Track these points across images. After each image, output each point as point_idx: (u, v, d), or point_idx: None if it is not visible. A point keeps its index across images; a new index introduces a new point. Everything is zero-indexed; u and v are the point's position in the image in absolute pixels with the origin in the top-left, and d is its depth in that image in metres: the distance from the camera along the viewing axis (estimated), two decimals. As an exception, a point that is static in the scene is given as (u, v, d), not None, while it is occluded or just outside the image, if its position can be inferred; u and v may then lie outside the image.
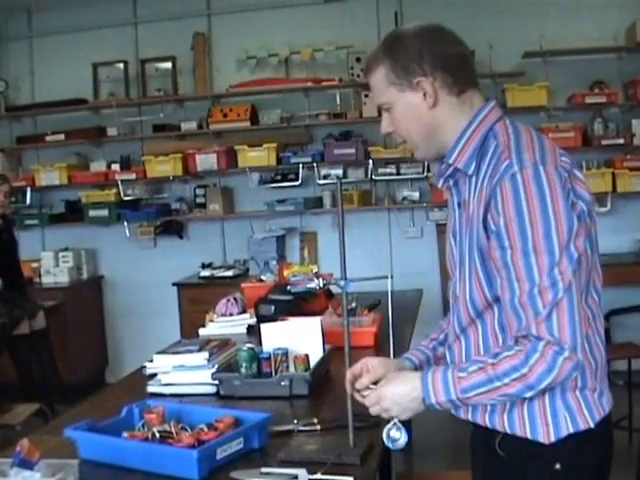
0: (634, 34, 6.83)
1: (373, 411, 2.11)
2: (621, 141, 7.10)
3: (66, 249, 8.01)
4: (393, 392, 2.07)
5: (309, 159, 7.42)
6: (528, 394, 1.92)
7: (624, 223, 7.29)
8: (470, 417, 2.12)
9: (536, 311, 1.87)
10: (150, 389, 3.17)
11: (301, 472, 2.15)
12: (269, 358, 3.12)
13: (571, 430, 1.99)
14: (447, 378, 1.98)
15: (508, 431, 2.04)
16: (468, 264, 2.06)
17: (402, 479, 3.70)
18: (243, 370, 3.08)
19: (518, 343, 1.92)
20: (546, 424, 2.00)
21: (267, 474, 2.18)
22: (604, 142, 7.12)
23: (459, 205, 2.12)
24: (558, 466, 2.01)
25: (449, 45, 2.09)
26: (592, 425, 2.00)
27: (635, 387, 5.53)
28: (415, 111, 2.08)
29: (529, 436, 2.01)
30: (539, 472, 2.03)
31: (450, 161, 2.08)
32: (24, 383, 6.58)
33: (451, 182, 2.13)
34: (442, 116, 2.08)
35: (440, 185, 2.17)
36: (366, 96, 7.18)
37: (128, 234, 8.02)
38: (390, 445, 2.13)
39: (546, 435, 2.00)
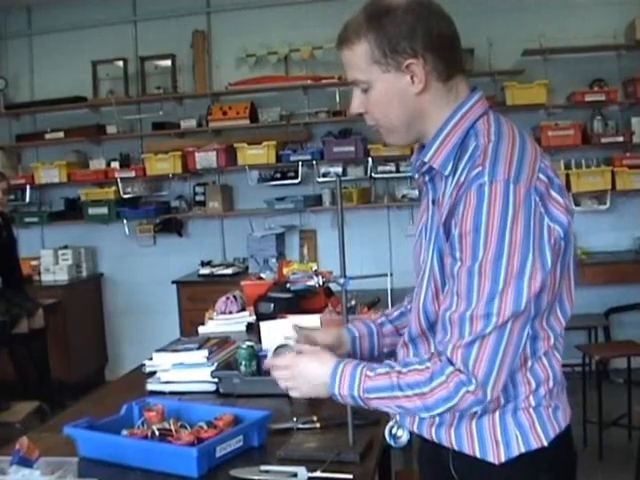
0: (634, 32, 6.84)
1: (283, 385, 2.03)
2: (620, 139, 7.09)
3: (65, 247, 8.00)
4: (308, 370, 1.95)
5: (308, 157, 7.42)
6: (424, 414, 1.82)
7: (623, 221, 7.30)
8: (415, 429, 2.02)
9: (461, 334, 1.75)
10: (149, 387, 3.17)
11: (300, 470, 2.15)
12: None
13: (522, 450, 1.86)
14: (355, 373, 1.86)
15: (455, 448, 1.92)
16: (429, 268, 1.92)
17: (401, 477, 3.70)
18: (242, 368, 3.09)
19: (432, 358, 1.81)
20: (496, 442, 1.87)
21: (267, 472, 2.18)
22: (603, 140, 7.11)
23: (433, 202, 1.95)
24: None
25: (443, 23, 1.86)
26: (545, 443, 1.86)
27: (634, 385, 5.53)
28: (399, 95, 1.87)
29: (478, 455, 1.88)
30: None
31: (426, 159, 1.90)
32: (20, 382, 6.58)
33: (427, 178, 1.96)
34: (427, 103, 1.88)
35: (415, 178, 2.02)
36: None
37: (127, 232, 8.02)
38: (392, 443, 2.10)
39: (496, 455, 1.87)
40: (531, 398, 1.87)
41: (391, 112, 1.91)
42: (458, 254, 1.77)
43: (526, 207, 1.72)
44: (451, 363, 1.76)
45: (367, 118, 1.98)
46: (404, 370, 1.82)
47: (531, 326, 1.82)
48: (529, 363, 1.87)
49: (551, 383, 1.90)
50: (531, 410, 1.88)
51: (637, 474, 4.40)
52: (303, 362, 1.98)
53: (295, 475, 2.14)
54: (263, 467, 2.21)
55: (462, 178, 1.80)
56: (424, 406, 1.79)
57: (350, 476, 2.12)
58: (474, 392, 1.74)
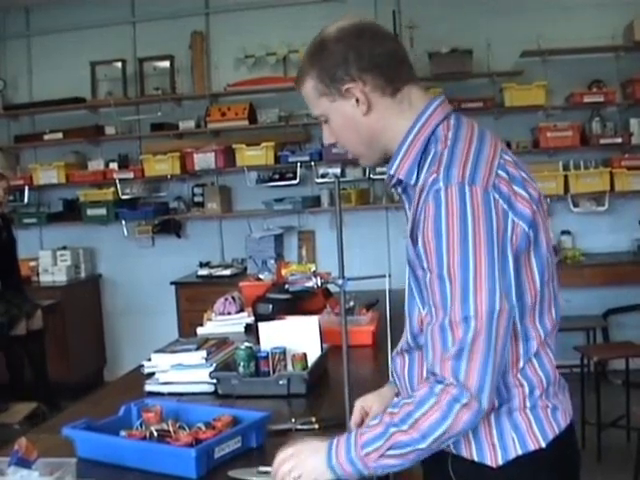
0: (632, 33, 6.85)
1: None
2: (619, 140, 7.11)
3: (64, 248, 8.00)
4: (306, 466, 1.88)
5: (307, 158, 7.42)
6: (422, 445, 1.74)
7: (622, 222, 7.31)
8: None
9: (445, 346, 1.73)
10: (148, 388, 3.17)
11: None
12: (267, 357, 3.12)
13: (519, 452, 1.85)
14: (349, 438, 1.82)
15: (454, 451, 1.91)
16: (406, 279, 1.96)
17: (399, 478, 3.69)
18: (241, 369, 3.08)
19: (419, 386, 1.80)
20: (492, 445, 1.86)
21: (265, 473, 2.18)
22: (602, 141, 7.13)
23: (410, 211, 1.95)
24: None
25: (374, 43, 1.92)
26: (543, 445, 1.86)
27: (633, 386, 5.53)
28: (351, 119, 1.95)
29: (475, 458, 1.88)
30: None
31: (391, 172, 1.95)
32: (13, 383, 6.57)
33: (400, 190, 1.99)
34: (380, 120, 1.94)
35: (392, 192, 2.09)
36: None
37: (126, 233, 8.03)
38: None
39: (493, 458, 1.86)
40: (526, 400, 1.87)
41: (350, 137, 2.00)
42: (426, 264, 1.78)
43: (485, 207, 1.73)
44: (440, 380, 1.73)
45: (338, 146, 2.10)
46: (395, 410, 1.79)
47: (521, 325, 1.84)
48: (521, 364, 1.87)
49: (545, 383, 1.89)
50: (527, 412, 1.87)
51: (635, 475, 4.40)
52: (299, 462, 1.90)
53: None
54: (262, 468, 2.21)
55: (422, 186, 1.83)
56: (420, 435, 1.74)
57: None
58: (469, 405, 1.71)
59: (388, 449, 1.77)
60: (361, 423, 2.16)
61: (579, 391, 5.52)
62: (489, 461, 1.87)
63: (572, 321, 6.57)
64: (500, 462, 1.86)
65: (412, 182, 1.90)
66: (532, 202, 1.82)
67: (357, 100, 1.92)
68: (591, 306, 7.12)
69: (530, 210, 1.80)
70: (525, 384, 1.87)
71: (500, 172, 1.80)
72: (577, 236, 7.40)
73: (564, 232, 7.36)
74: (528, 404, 1.87)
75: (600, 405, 5.29)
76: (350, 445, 1.81)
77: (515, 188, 1.80)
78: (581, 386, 5.56)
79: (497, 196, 1.76)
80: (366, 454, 1.79)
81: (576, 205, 7.27)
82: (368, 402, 2.22)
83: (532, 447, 1.86)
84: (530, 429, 1.86)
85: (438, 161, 1.81)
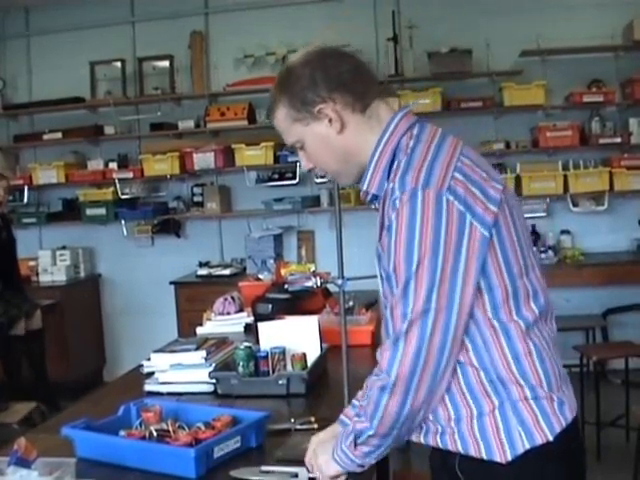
0: (631, 33, 6.84)
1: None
2: (618, 140, 7.11)
3: (63, 248, 8.00)
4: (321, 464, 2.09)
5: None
6: (370, 432, 1.92)
7: (621, 222, 7.30)
8: (422, 440, 2.03)
9: (387, 335, 1.88)
10: (147, 388, 3.17)
11: (301, 470, 2.15)
12: (266, 357, 3.13)
13: (527, 446, 1.88)
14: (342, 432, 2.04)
15: (462, 452, 1.93)
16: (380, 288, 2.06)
17: (399, 478, 3.70)
18: (240, 369, 3.09)
19: None
20: (500, 442, 1.89)
21: (267, 472, 2.18)
22: (601, 141, 7.12)
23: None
24: None
25: (339, 63, 1.99)
26: (550, 438, 1.88)
27: (632, 386, 5.54)
28: (325, 140, 2.01)
29: (484, 456, 1.90)
30: None
31: (364, 188, 2.02)
32: (13, 383, 6.56)
33: (377, 204, 2.03)
34: (353, 137, 2.00)
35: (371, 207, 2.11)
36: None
37: (125, 233, 8.03)
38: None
39: (502, 454, 1.88)
40: (527, 393, 1.90)
41: (326, 158, 2.05)
42: (389, 269, 1.88)
43: (436, 208, 1.80)
44: (380, 368, 1.88)
45: (316, 171, 2.13)
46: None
47: (497, 321, 1.89)
48: (510, 359, 1.89)
49: (544, 377, 1.92)
50: (532, 405, 1.90)
51: (635, 474, 4.40)
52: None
53: (296, 476, 2.14)
54: (264, 467, 2.21)
55: (384, 197, 1.94)
56: (368, 420, 1.92)
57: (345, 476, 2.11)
58: (394, 393, 1.85)
59: (357, 437, 1.96)
60: None
61: (578, 391, 5.51)
62: (498, 458, 1.89)
63: (571, 321, 6.57)
64: (509, 458, 1.88)
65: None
66: (492, 203, 1.86)
67: (330, 120, 1.98)
68: (590, 306, 7.12)
69: (490, 214, 1.85)
70: (522, 379, 1.90)
71: (457, 174, 1.85)
72: (576, 236, 7.39)
73: (563, 232, 7.36)
74: (530, 398, 1.89)
75: (599, 404, 5.29)
76: (340, 440, 2.01)
77: (472, 189, 1.85)
78: (580, 386, 5.56)
79: (452, 198, 1.81)
80: (349, 445, 1.97)
81: (575, 205, 7.27)
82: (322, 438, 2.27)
83: (539, 441, 1.88)
84: (537, 423, 1.89)
85: (396, 170, 1.90)
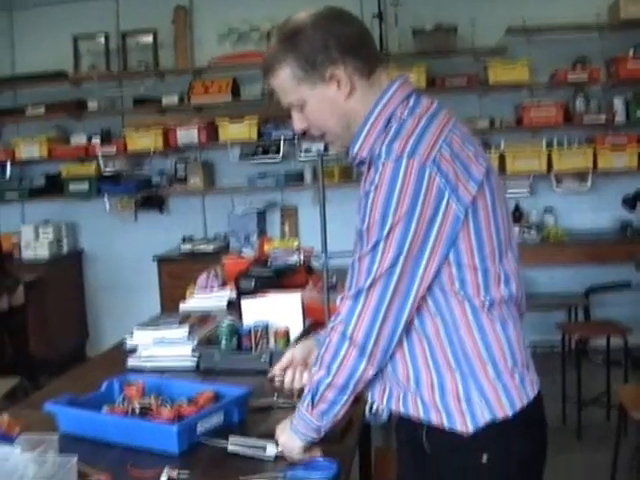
0: (617, 11, 6.83)
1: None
2: (603, 119, 7.12)
3: (46, 223, 7.97)
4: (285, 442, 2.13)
5: (290, 133, 7.37)
6: (327, 380, 1.95)
7: (604, 201, 7.32)
8: (384, 403, 2.05)
9: (350, 285, 1.92)
10: (130, 363, 3.17)
11: (270, 445, 2.15)
12: (249, 333, 3.13)
13: (487, 418, 1.90)
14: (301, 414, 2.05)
15: (424, 419, 1.95)
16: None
17: (380, 453, 3.71)
18: (223, 344, 3.09)
19: None
20: (461, 413, 1.91)
21: (236, 443, 2.20)
22: (586, 120, 7.13)
23: None
24: (485, 458, 1.92)
25: (349, 26, 1.99)
26: (510, 413, 1.91)
27: (613, 364, 5.57)
28: (331, 104, 1.99)
29: (446, 425, 1.92)
30: (464, 465, 1.95)
31: (354, 151, 2.02)
32: None
33: (363, 168, 2.02)
34: (358, 103, 1.99)
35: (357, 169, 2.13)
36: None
37: (108, 208, 8.01)
38: (372, 420, 2.11)
39: (464, 425, 1.91)
40: (489, 368, 1.92)
41: (329, 121, 2.03)
42: (362, 227, 1.89)
43: (417, 177, 1.81)
44: (338, 317, 1.93)
45: (312, 132, 2.10)
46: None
47: (464, 295, 1.91)
48: (474, 332, 1.92)
49: (508, 353, 1.94)
50: (495, 381, 1.92)
51: (615, 453, 4.43)
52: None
53: (264, 449, 2.16)
54: (232, 437, 2.21)
55: (370, 160, 1.94)
56: (325, 370, 1.95)
57: (319, 453, 2.12)
58: (352, 346, 1.90)
59: (314, 395, 1.98)
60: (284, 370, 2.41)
61: (560, 368, 5.55)
62: (459, 427, 1.91)
63: (554, 298, 6.60)
64: (471, 428, 1.91)
65: None
66: (473, 183, 1.87)
67: (338, 84, 1.97)
68: (573, 284, 7.15)
69: (469, 194, 1.86)
70: (486, 355, 1.92)
71: (444, 149, 1.86)
72: (560, 214, 7.42)
73: (547, 210, 7.38)
74: (492, 373, 1.92)
75: (581, 383, 5.32)
76: (298, 407, 2.05)
77: (457, 166, 1.85)
78: (562, 363, 5.60)
79: (435, 171, 1.82)
80: (306, 406, 2.01)
81: (559, 183, 7.29)
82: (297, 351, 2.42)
83: (500, 414, 1.91)
84: (497, 398, 1.92)
85: (384, 136, 1.90)
